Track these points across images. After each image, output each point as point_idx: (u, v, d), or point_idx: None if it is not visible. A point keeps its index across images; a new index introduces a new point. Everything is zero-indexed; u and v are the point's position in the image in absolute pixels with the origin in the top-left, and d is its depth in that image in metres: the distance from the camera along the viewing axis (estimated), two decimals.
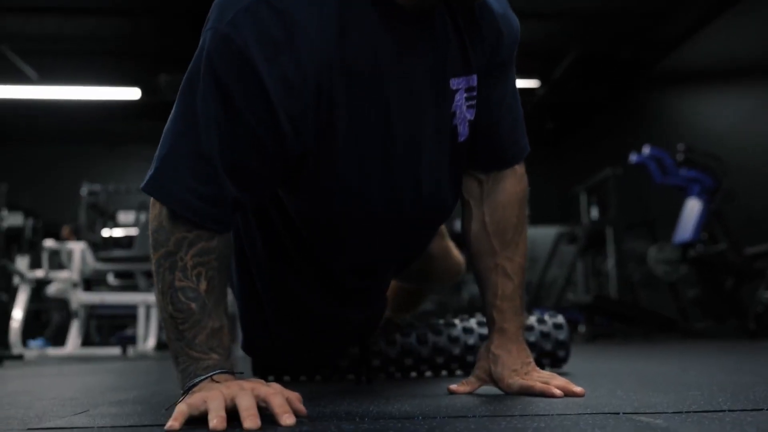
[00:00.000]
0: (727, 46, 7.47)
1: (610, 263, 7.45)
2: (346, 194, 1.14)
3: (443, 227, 1.69)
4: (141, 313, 5.75)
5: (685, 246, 6.20)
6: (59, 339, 6.23)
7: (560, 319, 1.92)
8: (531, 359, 1.28)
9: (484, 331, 1.83)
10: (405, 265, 1.52)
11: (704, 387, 1.29)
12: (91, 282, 6.50)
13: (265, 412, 0.91)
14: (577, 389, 1.16)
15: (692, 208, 6.17)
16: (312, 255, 1.30)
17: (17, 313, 5.43)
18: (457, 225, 1.45)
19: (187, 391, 0.97)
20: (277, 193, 1.21)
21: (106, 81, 9.13)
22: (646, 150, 6.38)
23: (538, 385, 1.17)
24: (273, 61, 0.98)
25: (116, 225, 8.22)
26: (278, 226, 1.28)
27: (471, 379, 1.31)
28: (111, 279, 7.04)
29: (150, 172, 1.02)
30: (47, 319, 6.69)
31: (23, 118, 10.48)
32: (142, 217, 7.73)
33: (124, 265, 6.28)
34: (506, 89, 1.27)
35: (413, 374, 1.87)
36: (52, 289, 5.82)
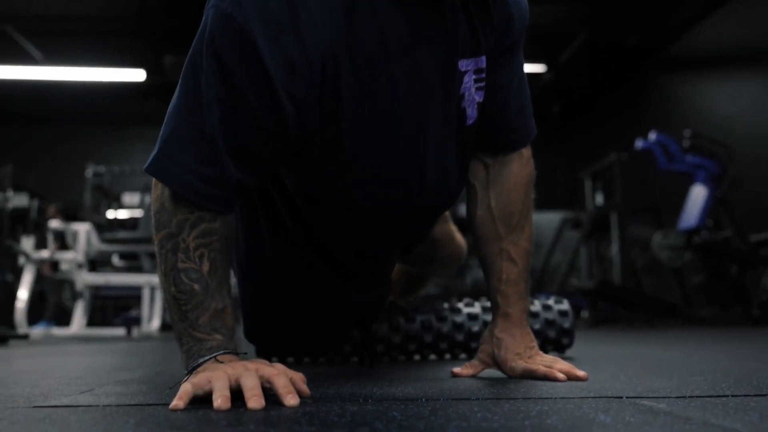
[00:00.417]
0: (734, 31, 7.42)
1: (615, 249, 7.45)
2: (352, 176, 1.13)
3: (446, 212, 1.69)
4: (145, 294, 5.77)
5: (690, 232, 6.19)
6: (60, 319, 6.26)
7: (565, 305, 1.91)
8: (534, 343, 1.28)
9: (489, 317, 1.83)
10: (409, 249, 1.52)
11: (708, 373, 1.29)
12: (96, 263, 6.52)
13: (269, 393, 0.91)
14: (581, 373, 1.16)
15: (698, 194, 6.15)
16: (316, 238, 1.29)
17: (22, 294, 5.46)
18: (462, 209, 1.44)
19: (191, 371, 0.97)
20: (280, 176, 1.20)
21: (111, 62, 9.12)
22: (652, 136, 6.36)
23: (542, 369, 1.18)
24: (275, 41, 0.97)
25: (121, 206, 8.24)
26: (281, 209, 1.27)
27: (474, 362, 1.31)
28: (116, 260, 7.07)
29: (153, 153, 1.01)
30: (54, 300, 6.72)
31: (28, 99, 10.48)
32: (147, 198, 7.74)
33: (129, 246, 6.30)
34: (514, 72, 1.26)
35: (417, 357, 1.88)
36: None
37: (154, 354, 2.68)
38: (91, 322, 6.24)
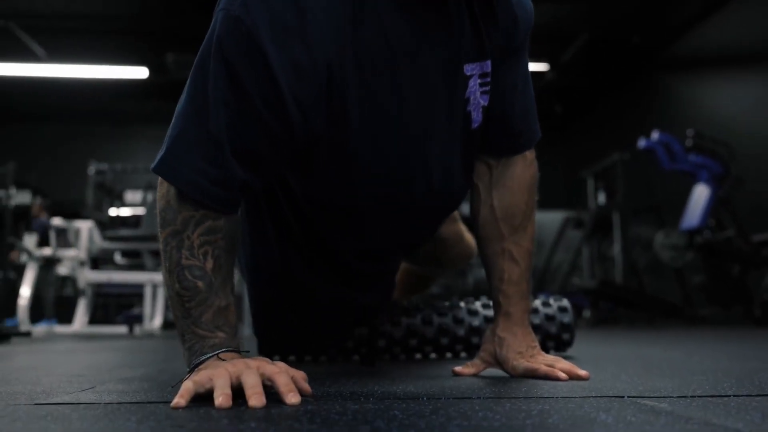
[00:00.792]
0: (737, 31, 7.41)
1: (616, 248, 7.45)
2: (357, 179, 1.14)
3: (456, 212, 1.69)
4: (147, 292, 5.78)
5: (692, 232, 6.18)
6: (61, 316, 6.26)
7: (565, 302, 1.92)
8: (536, 343, 1.28)
9: (489, 312, 1.84)
10: (413, 250, 1.53)
11: (709, 372, 1.29)
12: (98, 261, 6.53)
13: (270, 391, 0.91)
14: (582, 372, 1.16)
15: (700, 194, 6.15)
16: (320, 239, 1.30)
17: (25, 291, 5.47)
18: (465, 208, 1.45)
19: (193, 368, 0.97)
20: (285, 178, 1.20)
21: (113, 60, 9.13)
22: (655, 135, 6.35)
23: (543, 368, 1.18)
24: (283, 46, 0.97)
25: (123, 204, 8.25)
26: (286, 210, 1.28)
27: (476, 361, 1.32)
28: (118, 258, 7.07)
29: (160, 153, 1.02)
30: (56, 296, 6.72)
31: (31, 96, 10.49)
32: (149, 196, 7.74)
33: (131, 244, 6.30)
34: (519, 75, 1.26)
35: (418, 356, 1.88)
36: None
37: (156, 352, 2.68)
38: (93, 319, 6.25)
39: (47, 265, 5.90)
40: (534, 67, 9.06)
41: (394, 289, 1.64)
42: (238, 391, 0.90)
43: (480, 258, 1.36)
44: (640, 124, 7.86)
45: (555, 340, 1.88)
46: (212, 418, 0.78)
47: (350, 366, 1.68)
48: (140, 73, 9.34)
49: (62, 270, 6.01)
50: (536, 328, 1.78)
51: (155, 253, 6.17)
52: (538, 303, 1.89)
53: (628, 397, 0.93)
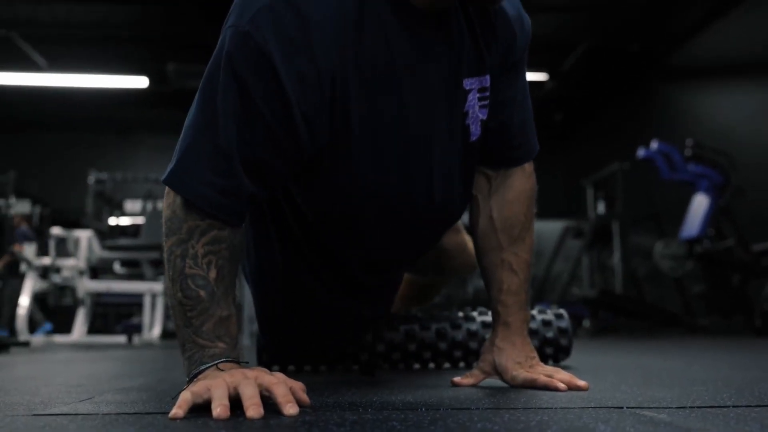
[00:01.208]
0: (738, 41, 7.43)
1: (616, 258, 7.45)
2: (360, 191, 1.15)
3: (459, 222, 1.70)
4: (147, 301, 5.77)
5: (692, 242, 6.18)
6: (60, 325, 6.26)
7: (561, 311, 1.93)
8: (535, 354, 1.28)
9: (486, 318, 1.85)
10: (415, 261, 1.53)
11: (709, 382, 1.29)
12: (97, 270, 6.52)
13: (268, 401, 0.91)
14: (581, 383, 1.16)
15: (700, 203, 6.15)
16: (325, 250, 1.31)
17: (24, 300, 5.46)
18: (467, 218, 1.45)
19: (192, 378, 0.97)
20: (289, 189, 1.21)
21: (114, 69, 9.15)
22: (654, 145, 6.36)
23: (542, 378, 1.18)
24: (290, 61, 0.99)
25: (123, 213, 8.26)
26: (291, 221, 1.29)
27: (475, 371, 1.32)
28: (117, 267, 7.07)
29: (170, 166, 1.03)
30: (56, 305, 6.71)
31: (32, 106, 10.51)
32: (149, 205, 7.76)
33: (131, 253, 6.30)
34: (517, 89, 1.28)
35: (417, 366, 1.87)
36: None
37: (155, 362, 2.68)
38: (92, 329, 6.24)
39: (11, 274, 5.89)
40: (534, 76, 9.09)
41: (392, 303, 1.65)
42: (236, 402, 0.90)
43: (479, 268, 1.37)
44: (639, 134, 7.87)
45: (553, 345, 1.88)
46: (210, 429, 0.78)
47: (349, 376, 1.67)
48: (141, 82, 9.37)
49: (57, 279, 5.99)
50: (533, 333, 1.78)
51: (154, 263, 6.18)
52: (534, 311, 1.90)
53: (627, 407, 0.93)
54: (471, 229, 1.36)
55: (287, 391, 0.92)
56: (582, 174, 8.77)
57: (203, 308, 1.00)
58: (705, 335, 5.50)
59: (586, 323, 6.57)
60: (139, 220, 7.58)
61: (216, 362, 0.98)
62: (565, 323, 1.89)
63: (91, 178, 7.88)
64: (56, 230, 6.03)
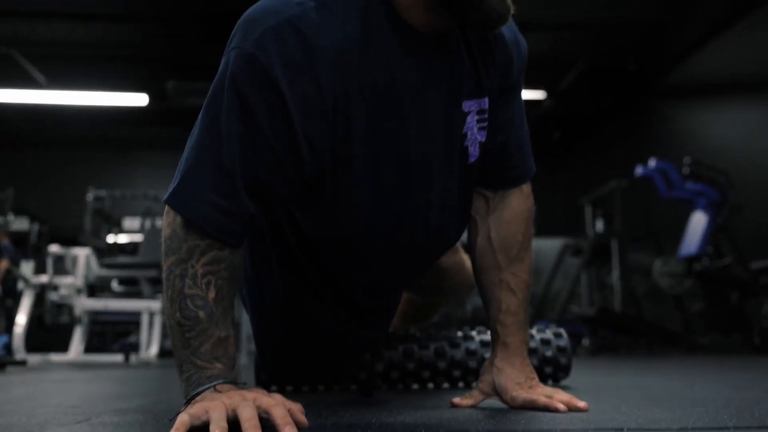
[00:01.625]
0: (734, 59, 7.48)
1: (615, 276, 7.44)
2: (360, 213, 1.15)
3: (457, 242, 1.70)
4: (144, 320, 5.75)
5: (691, 259, 6.18)
6: (57, 344, 6.22)
7: (560, 330, 1.93)
8: (535, 375, 1.27)
9: (484, 337, 1.84)
10: (414, 282, 1.54)
11: (709, 403, 1.28)
12: (95, 288, 6.50)
13: (266, 423, 0.90)
14: (581, 404, 1.15)
15: (698, 221, 6.16)
16: (324, 272, 1.31)
17: (21, 318, 5.44)
18: (463, 237, 1.46)
19: (189, 400, 0.97)
20: (291, 211, 1.22)
21: (114, 87, 9.18)
22: (652, 163, 6.38)
23: (542, 399, 1.17)
24: (294, 83, 1.00)
25: (121, 231, 8.24)
26: (292, 243, 1.29)
27: (474, 392, 1.31)
28: (115, 285, 7.05)
29: (172, 186, 1.03)
30: (53, 323, 6.68)
31: (31, 123, 10.53)
32: (147, 223, 7.75)
33: (129, 271, 6.28)
34: (514, 111, 1.29)
35: (415, 386, 1.86)
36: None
37: (152, 382, 2.66)
38: (89, 347, 6.21)
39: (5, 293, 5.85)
40: (532, 94, 9.12)
41: (391, 322, 1.64)
42: (234, 424, 0.89)
43: (477, 288, 1.36)
44: (637, 152, 7.89)
45: (552, 363, 1.87)
46: None
47: (347, 396, 1.67)
48: (140, 100, 9.39)
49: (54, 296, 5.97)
50: (532, 352, 1.78)
51: (153, 281, 6.16)
52: (533, 330, 1.90)
53: (628, 429, 0.92)
54: (469, 250, 1.37)
55: (285, 413, 0.91)
56: (580, 192, 8.77)
57: (202, 329, 0.99)
58: (704, 353, 5.48)
59: (586, 342, 6.54)
60: (138, 237, 7.56)
61: (214, 384, 0.97)
62: (564, 342, 1.89)
63: (90, 196, 7.88)
64: (54, 248, 6.01)
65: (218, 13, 6.99)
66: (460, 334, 1.88)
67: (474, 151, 1.22)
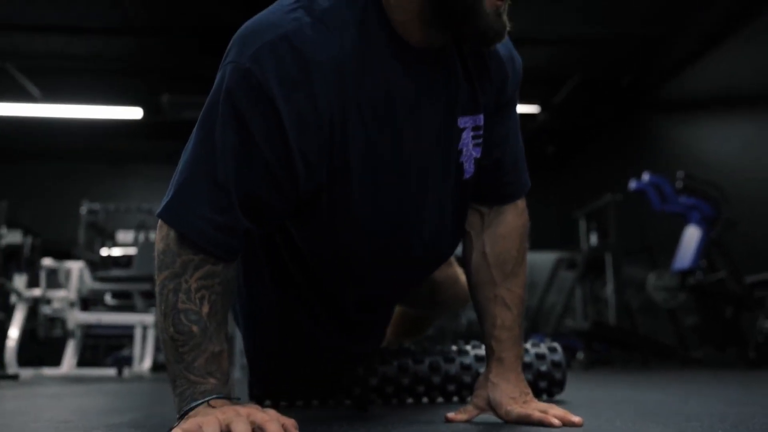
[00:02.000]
0: (728, 73, 7.52)
1: (609, 289, 7.44)
2: (355, 228, 1.15)
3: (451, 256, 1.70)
4: (137, 333, 5.72)
5: (685, 273, 6.18)
6: (50, 357, 6.18)
7: (555, 344, 1.93)
8: (529, 390, 1.28)
9: (479, 351, 1.84)
10: (407, 295, 1.54)
11: (704, 418, 1.28)
12: (88, 302, 6.47)
13: None
14: (576, 419, 1.15)
15: (692, 235, 6.17)
16: (318, 287, 1.31)
17: (13, 332, 5.41)
18: (457, 250, 1.46)
19: (183, 415, 0.96)
20: (284, 225, 1.22)
21: (109, 100, 9.17)
22: (646, 177, 6.39)
23: (537, 414, 1.17)
24: (290, 99, 1.00)
25: (115, 244, 8.22)
26: (285, 257, 1.29)
27: (469, 407, 1.31)
28: (108, 299, 7.02)
29: (166, 200, 1.03)
30: (45, 336, 6.63)
31: (25, 136, 10.51)
32: (141, 236, 7.72)
33: (122, 284, 6.26)
34: (509, 127, 1.30)
35: (410, 400, 1.86)
36: None
37: (145, 396, 2.64)
38: (82, 361, 6.17)
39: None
40: (526, 108, 9.15)
41: (384, 337, 1.64)
42: None
43: (472, 303, 1.37)
44: (631, 166, 7.91)
45: (547, 378, 1.87)
46: None
47: (342, 411, 1.66)
48: (135, 113, 9.38)
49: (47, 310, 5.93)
50: (526, 367, 1.77)
51: (146, 294, 6.13)
52: (528, 345, 1.90)
53: None
54: (464, 265, 1.37)
55: (280, 428, 0.91)
56: (574, 205, 8.79)
57: (195, 344, 0.99)
58: (699, 367, 5.48)
59: (580, 355, 6.53)
60: (131, 250, 7.54)
61: (207, 399, 0.97)
62: (558, 356, 1.89)
63: (84, 209, 7.86)
64: (47, 261, 5.99)
65: (213, 27, 7.01)
66: (454, 348, 1.88)
67: (469, 167, 1.23)
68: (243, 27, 1.06)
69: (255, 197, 1.03)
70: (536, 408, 1.20)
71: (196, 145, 1.04)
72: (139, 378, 4.95)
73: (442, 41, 1.13)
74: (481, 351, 1.85)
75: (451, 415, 1.30)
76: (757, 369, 5.01)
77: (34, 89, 8.79)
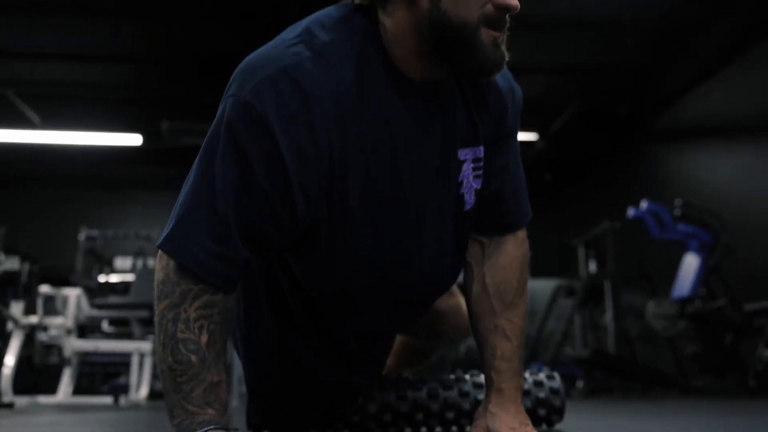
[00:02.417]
0: (725, 102, 7.57)
1: (608, 317, 7.42)
2: (355, 261, 1.16)
3: (454, 285, 1.70)
4: (134, 361, 5.68)
5: (684, 301, 6.17)
6: (46, 385, 6.13)
7: (553, 373, 1.92)
8: (529, 421, 1.27)
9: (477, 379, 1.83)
10: (408, 327, 1.53)
11: None
12: (85, 329, 6.44)
13: None
14: None
15: (690, 263, 6.16)
16: (318, 319, 1.30)
17: (9, 360, 5.37)
18: (460, 278, 1.46)
19: None
20: (284, 257, 1.22)
21: (108, 127, 9.20)
22: (644, 204, 6.41)
23: None
24: (290, 133, 1.01)
25: (113, 271, 8.19)
26: (284, 288, 1.28)
27: None
28: (105, 326, 6.98)
29: (166, 230, 1.04)
30: (41, 364, 6.59)
31: (24, 162, 10.53)
32: (139, 262, 7.71)
33: (120, 312, 6.23)
34: (510, 158, 1.30)
35: (408, 430, 1.84)
36: None
37: (142, 425, 2.62)
38: (78, 389, 6.12)
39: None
40: (525, 136, 9.19)
41: (384, 368, 1.63)
42: None
43: (473, 334, 1.36)
44: (629, 193, 7.93)
45: (545, 406, 1.85)
46: None
47: None
48: (134, 140, 9.41)
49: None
50: (524, 394, 1.76)
51: (144, 322, 6.10)
52: (526, 374, 1.88)
53: None
54: (465, 296, 1.37)
55: None
56: (573, 233, 8.79)
57: (194, 373, 0.99)
58: (699, 396, 5.44)
59: (580, 384, 6.49)
60: (129, 277, 7.52)
61: (205, 429, 0.96)
62: (557, 383, 1.87)
63: (82, 235, 7.85)
64: (45, 288, 5.97)
65: (212, 55, 7.07)
66: (452, 377, 1.86)
67: (470, 199, 1.23)
68: (245, 61, 1.07)
69: (254, 229, 1.03)
70: None
71: (197, 176, 1.05)
72: (135, 406, 4.91)
73: (441, 74, 1.14)
74: (479, 378, 1.84)
75: None
76: (758, 397, 4.98)
77: (34, 116, 8.83)
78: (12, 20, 6.75)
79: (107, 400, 5.59)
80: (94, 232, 7.91)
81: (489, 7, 1.05)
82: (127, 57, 7.53)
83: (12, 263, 7.30)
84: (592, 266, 8.08)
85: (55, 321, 5.70)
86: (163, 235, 1.04)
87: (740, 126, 7.37)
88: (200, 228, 1.01)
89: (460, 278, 1.43)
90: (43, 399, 5.52)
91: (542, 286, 8.48)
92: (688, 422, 2.25)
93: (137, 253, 7.87)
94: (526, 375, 1.87)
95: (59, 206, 11.24)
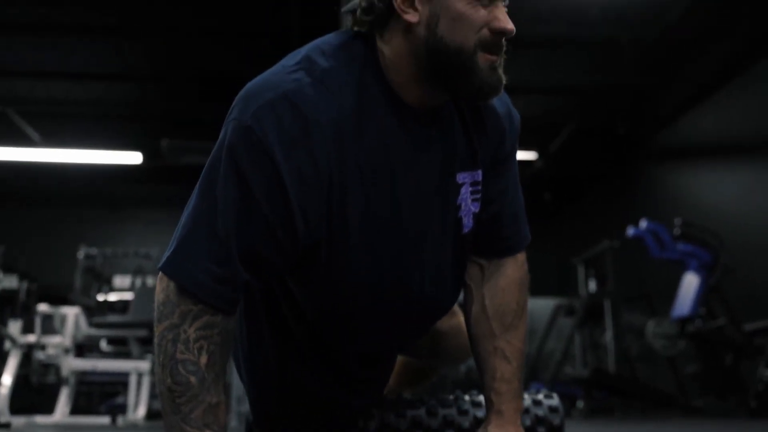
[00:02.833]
0: (723, 121, 7.60)
1: (608, 336, 7.39)
2: (354, 284, 1.16)
3: (455, 305, 1.70)
4: (132, 380, 5.65)
5: (684, 321, 6.16)
6: (43, 405, 6.10)
7: (552, 393, 1.91)
8: None
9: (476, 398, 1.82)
10: (408, 349, 1.53)
11: None
12: (83, 348, 6.41)
13: None
14: None
15: (690, 282, 6.16)
16: (318, 341, 1.30)
17: (6, 379, 5.34)
18: (461, 298, 1.46)
19: None
20: (284, 280, 1.22)
21: (108, 145, 9.22)
22: (643, 224, 6.41)
23: None
24: (290, 157, 1.02)
25: (112, 289, 8.17)
26: (285, 310, 1.28)
27: None
28: (104, 345, 6.95)
29: (168, 253, 1.04)
30: (39, 383, 6.55)
31: (23, 180, 10.54)
32: (138, 281, 7.69)
33: (118, 330, 6.20)
34: (508, 181, 1.31)
35: None
36: None
37: None
38: (76, 408, 6.08)
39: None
40: (523, 155, 9.22)
41: (384, 389, 1.63)
42: None
43: (473, 356, 1.36)
44: (628, 213, 7.94)
45: (544, 424, 1.84)
46: None
47: None
48: (134, 158, 9.42)
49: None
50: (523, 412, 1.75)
51: (142, 341, 6.08)
52: (525, 394, 1.87)
53: None
54: (465, 318, 1.37)
55: None
56: (572, 252, 8.79)
57: (193, 395, 0.98)
58: (700, 416, 5.42)
59: (580, 404, 6.46)
60: (128, 295, 7.49)
61: None
62: (555, 402, 1.86)
63: (81, 253, 7.84)
64: (43, 307, 5.95)
65: (212, 74, 7.11)
66: (451, 397, 1.85)
67: (468, 222, 1.24)
68: (246, 86, 1.09)
69: (255, 251, 1.04)
70: None
71: (198, 199, 1.05)
72: (133, 426, 4.88)
73: (439, 99, 1.15)
74: (478, 398, 1.83)
75: None
76: (759, 418, 4.95)
77: (34, 134, 8.85)
78: (12, 39, 6.78)
79: (105, 420, 5.56)
80: (93, 251, 7.90)
81: (485, 31, 1.07)
82: (127, 75, 7.56)
83: (10, 281, 7.28)
84: (592, 285, 8.06)
85: (53, 340, 5.68)
86: (165, 257, 1.05)
87: (739, 145, 7.40)
88: (201, 249, 1.02)
89: (462, 298, 1.43)
90: (41, 419, 5.48)
91: (542, 305, 8.46)
92: None
93: (136, 272, 7.85)
94: (525, 396, 1.86)
95: (58, 224, 11.24)
